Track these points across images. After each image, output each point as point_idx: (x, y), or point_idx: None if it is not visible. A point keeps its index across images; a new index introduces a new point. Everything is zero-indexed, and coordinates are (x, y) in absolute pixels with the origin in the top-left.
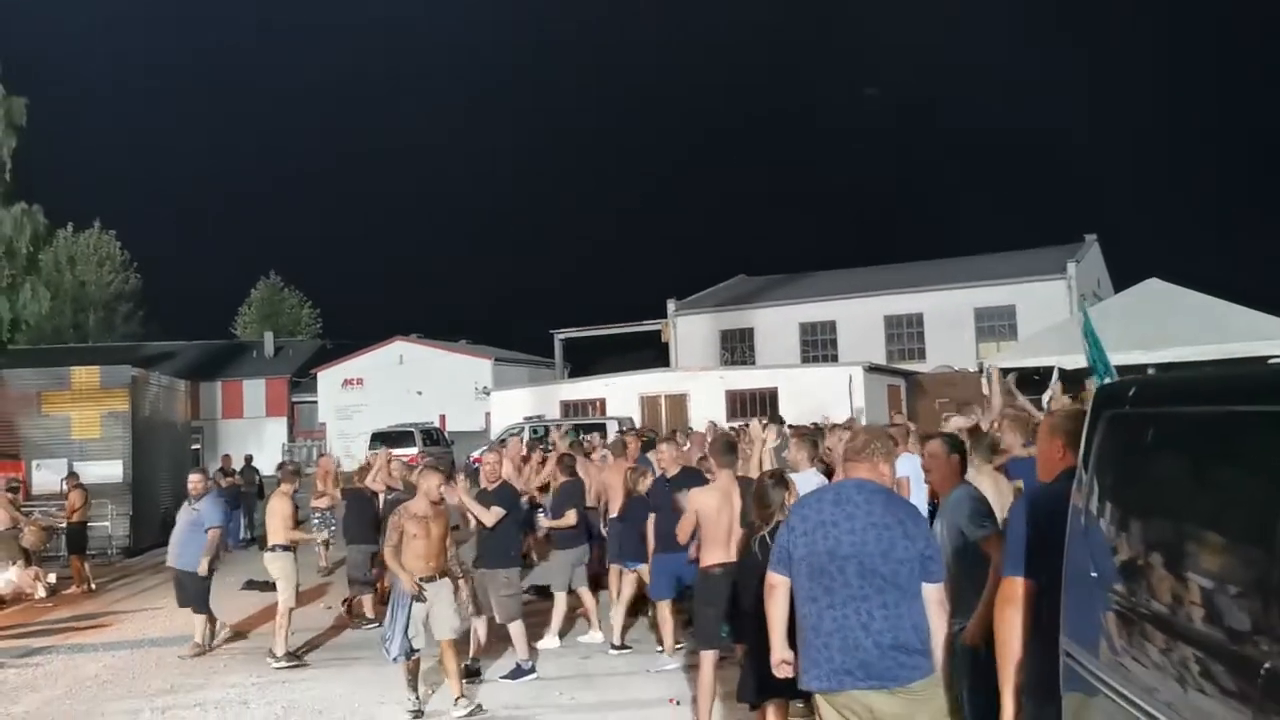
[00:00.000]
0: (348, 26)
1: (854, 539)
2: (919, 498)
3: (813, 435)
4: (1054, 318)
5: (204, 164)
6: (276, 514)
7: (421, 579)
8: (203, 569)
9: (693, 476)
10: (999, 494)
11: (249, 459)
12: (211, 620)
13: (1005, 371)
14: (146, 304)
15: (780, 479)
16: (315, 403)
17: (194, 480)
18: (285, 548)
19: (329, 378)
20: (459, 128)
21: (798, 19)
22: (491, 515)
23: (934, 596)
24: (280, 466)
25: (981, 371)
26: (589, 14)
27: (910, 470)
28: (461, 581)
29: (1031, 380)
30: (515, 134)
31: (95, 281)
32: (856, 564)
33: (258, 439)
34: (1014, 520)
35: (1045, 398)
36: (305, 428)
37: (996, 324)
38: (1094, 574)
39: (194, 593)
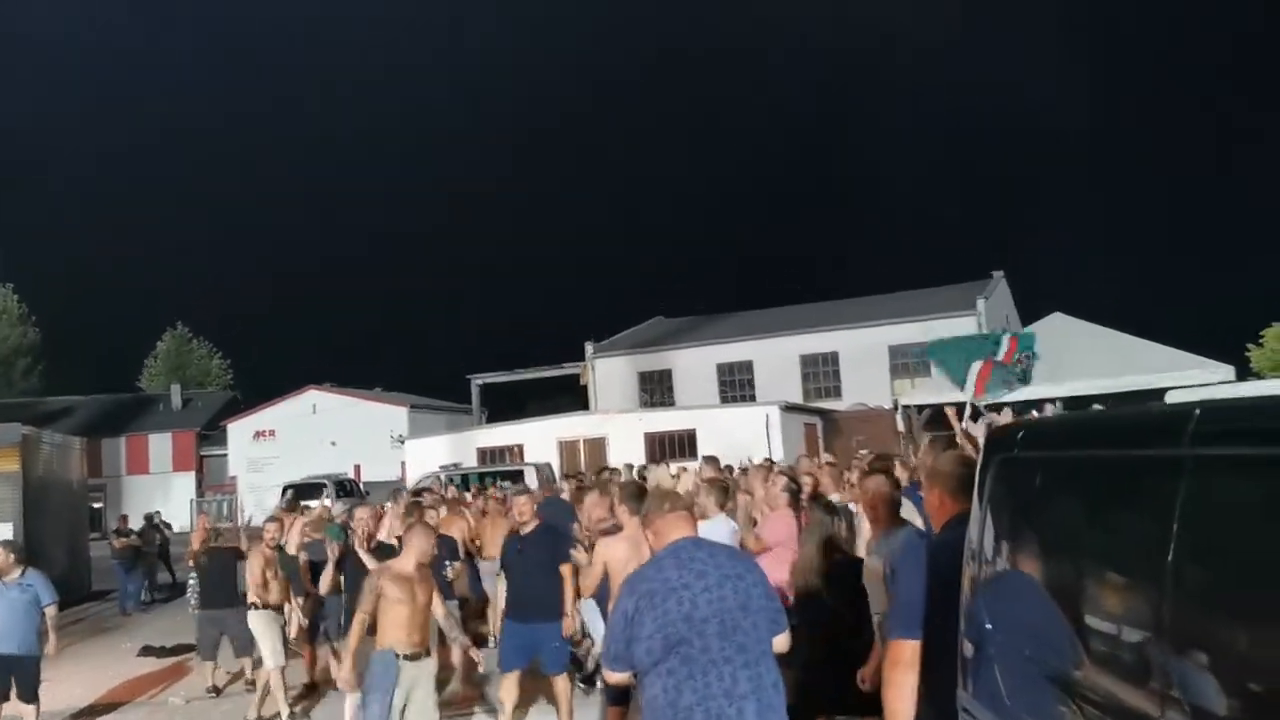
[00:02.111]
0: (262, 68)
1: (710, 597)
2: None
3: (724, 481)
4: None
5: (107, 214)
6: (250, 570)
7: (405, 655)
8: (53, 648)
9: (548, 534)
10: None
11: (149, 517)
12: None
13: (920, 408)
14: (46, 358)
15: (831, 507)
16: (225, 456)
17: (2, 553)
18: (262, 605)
19: (239, 430)
20: (367, 173)
21: (710, 64)
22: None
23: (782, 645)
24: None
25: (896, 409)
26: (504, 59)
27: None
28: (472, 651)
29: (944, 416)
30: (427, 180)
31: None
32: (717, 624)
33: (165, 495)
34: (901, 576)
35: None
36: (215, 482)
37: (910, 361)
38: (988, 625)
39: (28, 680)
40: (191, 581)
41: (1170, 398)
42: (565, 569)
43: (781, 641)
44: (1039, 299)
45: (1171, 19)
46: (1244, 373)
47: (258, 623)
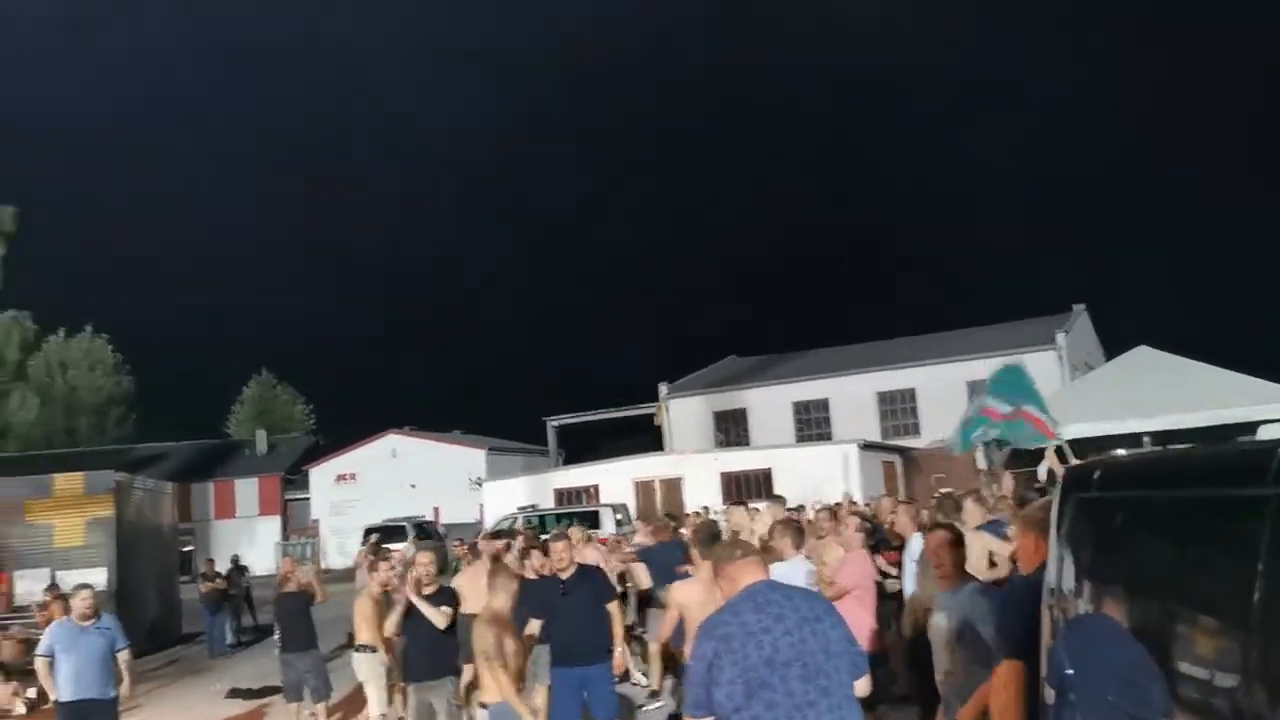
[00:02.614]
0: (340, 112)
1: (791, 640)
2: None
3: (798, 522)
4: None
5: (191, 265)
6: (357, 612)
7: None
8: (128, 690)
9: (590, 574)
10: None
11: (235, 560)
12: None
13: (1000, 445)
14: (139, 406)
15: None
16: (308, 499)
17: (86, 598)
18: (371, 648)
19: (322, 474)
20: (442, 216)
21: (784, 99)
22: (443, 616)
23: (863, 689)
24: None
25: (976, 446)
26: (570, 92)
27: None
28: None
29: (1026, 452)
30: (501, 220)
31: (87, 386)
32: (800, 667)
33: (250, 538)
34: (1002, 611)
35: (1041, 470)
36: (298, 525)
37: None
38: (1069, 670)
39: None
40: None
41: (1264, 432)
42: (612, 607)
43: (863, 685)
44: (1123, 332)
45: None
46: None
47: (362, 667)
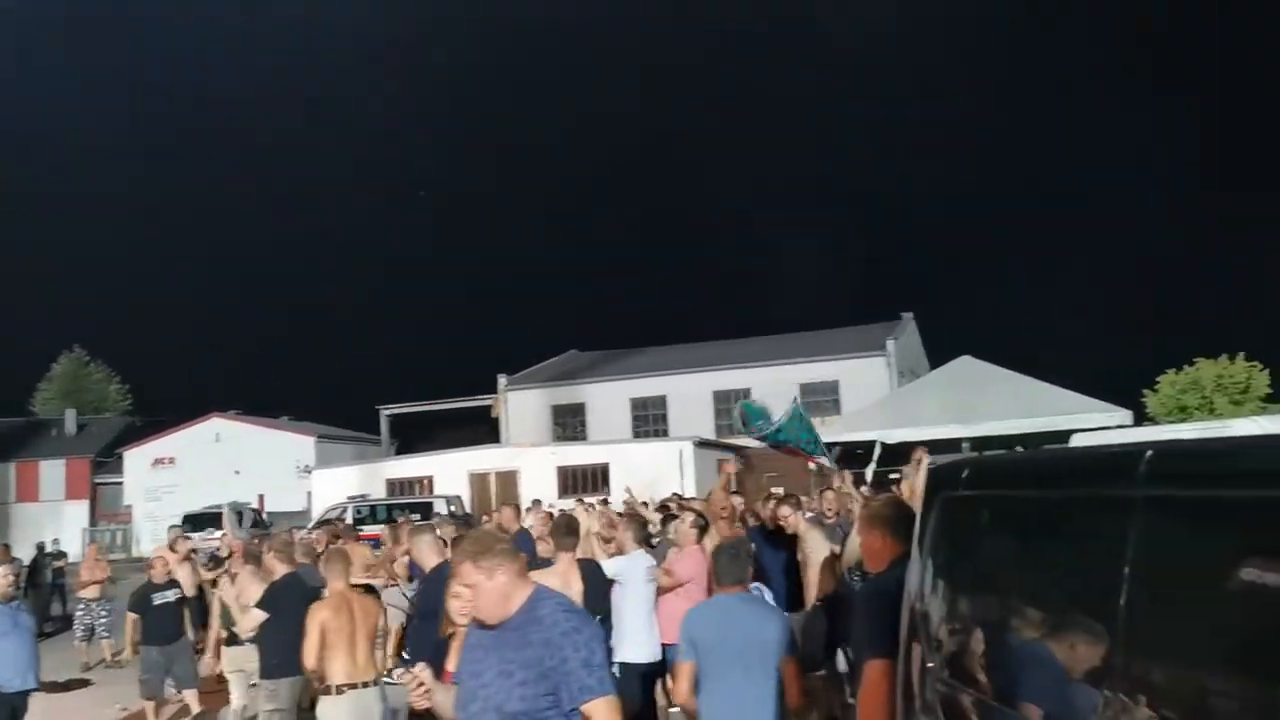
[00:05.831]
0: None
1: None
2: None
3: (642, 517)
4: (876, 393)
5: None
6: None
7: None
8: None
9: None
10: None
11: (41, 547)
12: None
13: (830, 446)
14: None
15: None
16: (121, 484)
17: (8, 574)
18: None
19: (137, 457)
20: (282, 197)
21: (637, 104)
22: (250, 617)
23: None
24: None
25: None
26: (423, 90)
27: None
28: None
29: (854, 455)
30: (340, 206)
31: None
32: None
33: (56, 524)
34: (860, 610)
35: (869, 471)
36: (109, 510)
37: (821, 399)
38: (930, 663)
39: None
40: (79, 613)
41: (1075, 440)
42: None
43: None
44: (948, 341)
45: (1074, 71)
46: (1140, 417)
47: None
